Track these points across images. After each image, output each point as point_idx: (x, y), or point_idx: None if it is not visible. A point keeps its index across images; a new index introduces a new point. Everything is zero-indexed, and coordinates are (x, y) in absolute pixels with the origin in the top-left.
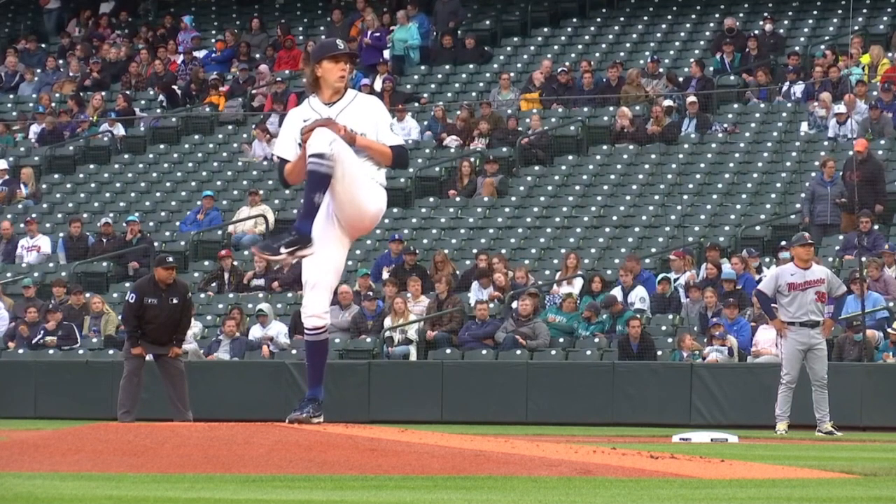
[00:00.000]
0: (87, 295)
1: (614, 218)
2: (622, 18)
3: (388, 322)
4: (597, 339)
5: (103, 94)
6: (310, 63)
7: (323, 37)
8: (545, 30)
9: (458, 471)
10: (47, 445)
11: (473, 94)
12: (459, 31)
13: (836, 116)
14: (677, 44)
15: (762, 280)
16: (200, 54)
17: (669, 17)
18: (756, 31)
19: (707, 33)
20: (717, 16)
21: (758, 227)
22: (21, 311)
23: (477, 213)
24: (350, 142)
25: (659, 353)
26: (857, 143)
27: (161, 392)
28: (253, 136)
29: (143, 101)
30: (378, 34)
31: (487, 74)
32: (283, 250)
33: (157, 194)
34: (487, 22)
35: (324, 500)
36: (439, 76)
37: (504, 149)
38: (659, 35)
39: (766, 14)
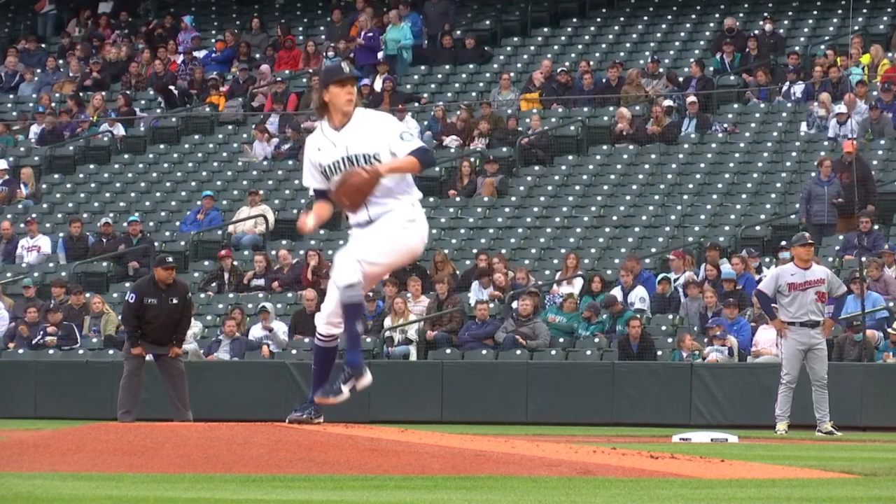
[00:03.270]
0: (87, 295)
1: (614, 218)
2: (622, 18)
3: (388, 322)
4: (597, 339)
5: (103, 94)
6: (317, 89)
7: (323, 37)
8: (545, 30)
9: (458, 471)
10: (47, 445)
11: (473, 94)
12: (459, 31)
13: (836, 116)
14: (677, 44)
15: (762, 280)
16: (200, 54)
17: (669, 17)
18: (756, 31)
19: (707, 33)
20: (717, 16)
21: (758, 227)
22: (21, 311)
23: (477, 213)
24: (376, 176)
25: (659, 353)
26: (845, 145)
27: (161, 392)
28: (253, 136)
29: (143, 101)
30: (371, 34)
31: (487, 74)
32: (344, 389)
33: (157, 194)
34: (487, 22)
35: (324, 500)
36: (439, 76)
37: (504, 149)
38: (659, 35)
39: (766, 14)
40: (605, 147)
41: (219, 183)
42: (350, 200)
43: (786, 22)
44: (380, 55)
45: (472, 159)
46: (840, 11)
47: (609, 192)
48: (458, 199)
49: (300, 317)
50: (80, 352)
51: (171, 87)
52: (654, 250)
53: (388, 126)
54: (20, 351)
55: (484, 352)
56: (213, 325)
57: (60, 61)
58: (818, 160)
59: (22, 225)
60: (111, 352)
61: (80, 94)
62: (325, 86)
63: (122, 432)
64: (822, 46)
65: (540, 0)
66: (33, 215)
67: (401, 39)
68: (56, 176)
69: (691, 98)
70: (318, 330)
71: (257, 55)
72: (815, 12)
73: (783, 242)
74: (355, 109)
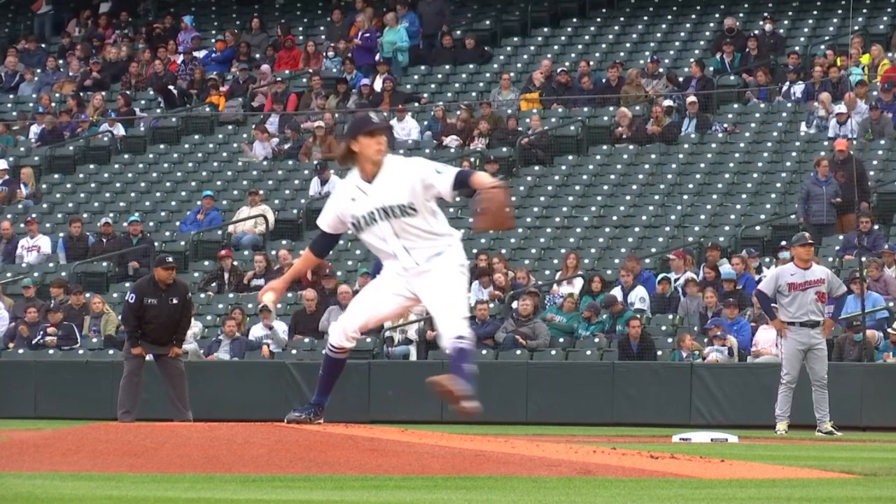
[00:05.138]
0: (87, 295)
1: (614, 218)
2: (622, 18)
3: (387, 322)
4: (597, 339)
5: (103, 94)
6: (345, 138)
7: (323, 37)
8: (545, 30)
9: (458, 471)
10: (47, 445)
11: (473, 94)
12: (459, 31)
13: (836, 116)
14: (677, 44)
15: (762, 280)
16: (200, 54)
17: (669, 17)
18: (756, 31)
19: (707, 33)
20: (717, 16)
21: (758, 227)
22: (21, 311)
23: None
24: (505, 188)
25: (659, 353)
26: (838, 143)
27: (161, 392)
28: (253, 136)
29: (143, 101)
30: (368, 34)
31: (487, 74)
32: (467, 391)
33: (157, 194)
34: (487, 22)
35: (324, 500)
36: (439, 76)
37: (504, 149)
38: (659, 35)
39: (766, 14)
40: (605, 147)
41: (219, 183)
42: (509, 217)
43: (786, 22)
44: (376, 57)
45: (472, 159)
46: (840, 11)
47: (609, 192)
48: (458, 199)
49: (300, 317)
50: (80, 352)
51: (171, 87)
52: (654, 250)
53: (419, 172)
54: (20, 351)
55: (484, 352)
56: (213, 325)
57: (60, 61)
58: (815, 160)
59: (22, 225)
60: (111, 352)
61: (80, 94)
62: (354, 136)
63: (122, 432)
64: (822, 46)
65: (540, 0)
66: (33, 215)
67: (396, 41)
68: (56, 176)
69: (691, 98)
70: (330, 340)
71: (257, 55)
72: (815, 12)
73: (783, 242)
74: (384, 158)
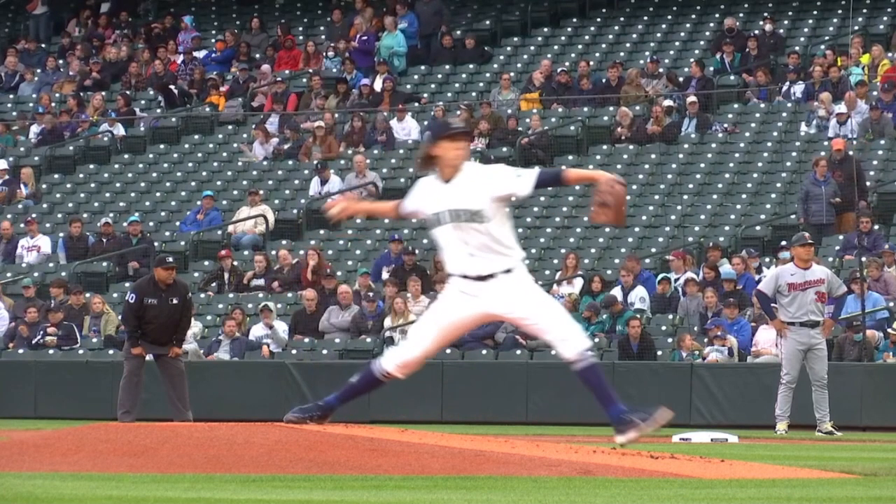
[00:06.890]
0: (87, 295)
1: None
2: (622, 18)
3: (388, 322)
4: (597, 339)
5: (103, 94)
6: (426, 142)
7: (323, 37)
8: (545, 30)
9: (458, 471)
10: (47, 445)
11: (473, 94)
12: (459, 31)
13: (836, 116)
14: (677, 44)
15: (762, 280)
16: (200, 54)
17: (669, 17)
18: (756, 31)
19: (707, 33)
20: (717, 16)
21: (758, 227)
22: (21, 311)
23: None
24: (621, 182)
25: (659, 353)
26: (835, 142)
27: (161, 392)
28: (253, 136)
29: (143, 101)
30: (366, 38)
31: (487, 74)
32: (636, 420)
33: (157, 194)
34: (487, 22)
35: (324, 500)
36: (439, 76)
37: (504, 149)
38: (659, 35)
39: (766, 14)
40: (605, 147)
41: (219, 183)
42: (626, 214)
43: (786, 22)
44: (375, 59)
45: (472, 159)
46: (840, 11)
47: None
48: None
49: (300, 317)
50: (80, 352)
51: (171, 87)
52: (654, 250)
53: (496, 178)
54: (20, 351)
55: (484, 352)
56: (213, 325)
57: (60, 61)
58: (814, 160)
59: (22, 225)
60: (111, 352)
61: (80, 94)
62: (436, 140)
63: (122, 432)
64: (822, 46)
65: (540, 0)
66: (33, 215)
67: (393, 46)
68: (56, 176)
69: (691, 98)
70: (384, 363)
71: (257, 55)
72: (815, 12)
73: (783, 242)
74: (464, 164)
